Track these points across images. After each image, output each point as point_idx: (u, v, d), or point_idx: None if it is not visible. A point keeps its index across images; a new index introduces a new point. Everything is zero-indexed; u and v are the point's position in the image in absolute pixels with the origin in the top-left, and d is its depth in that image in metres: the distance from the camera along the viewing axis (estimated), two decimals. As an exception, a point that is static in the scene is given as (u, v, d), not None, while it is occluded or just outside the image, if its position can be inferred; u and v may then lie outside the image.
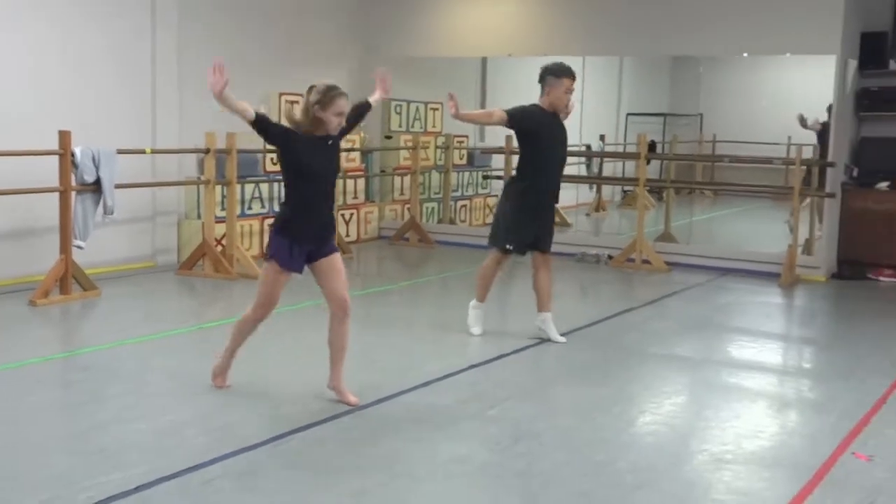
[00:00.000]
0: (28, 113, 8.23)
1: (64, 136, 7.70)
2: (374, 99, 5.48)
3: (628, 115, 14.03)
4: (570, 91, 6.18)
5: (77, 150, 7.80)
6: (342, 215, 11.17)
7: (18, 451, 4.31)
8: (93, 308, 7.60)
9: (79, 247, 7.80)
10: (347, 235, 11.27)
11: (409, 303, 8.42)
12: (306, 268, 5.05)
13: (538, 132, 6.20)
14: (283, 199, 5.04)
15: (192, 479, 3.99)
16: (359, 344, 6.53)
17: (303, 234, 4.91)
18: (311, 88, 4.88)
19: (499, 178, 11.94)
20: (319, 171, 4.88)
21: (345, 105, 4.88)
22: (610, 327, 7.35)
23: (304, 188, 4.87)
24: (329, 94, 4.84)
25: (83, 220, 7.86)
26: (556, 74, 6.19)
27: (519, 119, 6.16)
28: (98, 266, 8.67)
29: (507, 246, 6.40)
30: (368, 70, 12.25)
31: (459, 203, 12.90)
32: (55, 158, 7.72)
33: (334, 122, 4.87)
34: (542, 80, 6.25)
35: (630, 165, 12.81)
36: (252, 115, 4.73)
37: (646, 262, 10.11)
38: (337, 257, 5.07)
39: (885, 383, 5.84)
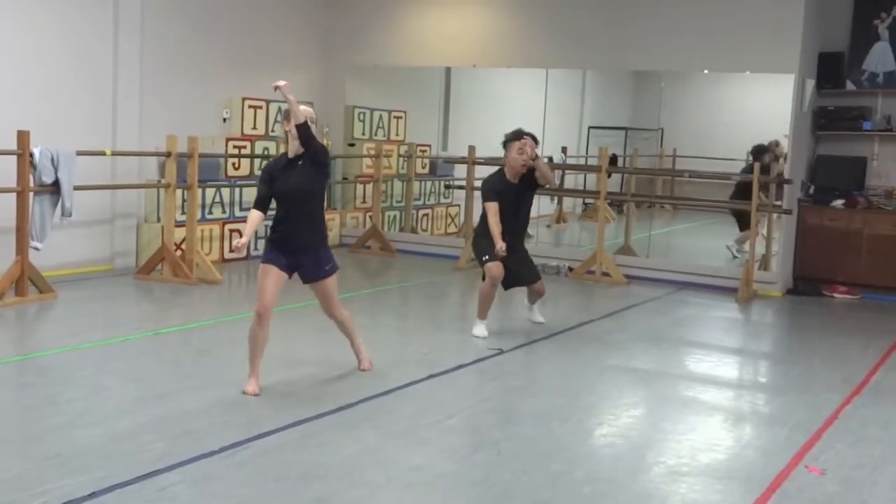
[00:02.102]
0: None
1: (22, 136, 7.62)
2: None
3: (590, 128, 14.12)
4: (521, 151, 7.03)
5: (36, 151, 7.72)
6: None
7: (-29, 455, 4.26)
8: (49, 311, 7.52)
9: (36, 248, 7.72)
10: (308, 242, 11.22)
11: (370, 311, 8.40)
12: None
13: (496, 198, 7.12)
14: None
15: (149, 486, 3.96)
16: (318, 352, 6.55)
17: (280, 246, 5.47)
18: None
19: (461, 187, 11.98)
20: (287, 192, 5.39)
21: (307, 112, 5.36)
22: (569, 339, 7.40)
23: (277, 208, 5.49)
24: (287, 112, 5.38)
25: (40, 222, 7.78)
26: (505, 143, 7.16)
27: (489, 197, 7.17)
28: (55, 268, 8.56)
29: (484, 258, 7.10)
30: (331, 77, 12.31)
31: (421, 212, 12.92)
32: (13, 158, 7.63)
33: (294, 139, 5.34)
34: (504, 148, 7.20)
35: (591, 178, 12.87)
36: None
37: (605, 274, 10.19)
38: (323, 283, 5.59)
39: (837, 398, 5.95)
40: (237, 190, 10.46)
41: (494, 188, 7.09)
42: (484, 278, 7.26)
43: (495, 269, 7.07)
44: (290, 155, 5.41)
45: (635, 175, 12.50)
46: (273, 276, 5.39)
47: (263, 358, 5.45)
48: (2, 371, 5.74)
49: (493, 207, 7.00)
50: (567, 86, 13.72)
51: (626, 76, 13.48)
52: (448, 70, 13.00)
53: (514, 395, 5.75)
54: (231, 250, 5.47)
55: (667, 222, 14.26)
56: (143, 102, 9.66)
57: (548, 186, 7.59)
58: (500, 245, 6.86)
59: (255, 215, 5.45)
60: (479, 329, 7.16)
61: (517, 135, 7.12)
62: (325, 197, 5.73)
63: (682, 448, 4.85)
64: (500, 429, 5.02)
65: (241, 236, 5.52)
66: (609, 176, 10.76)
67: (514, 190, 7.12)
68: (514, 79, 12.55)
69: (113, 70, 9.37)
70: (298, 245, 5.45)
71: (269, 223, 5.66)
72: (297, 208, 5.39)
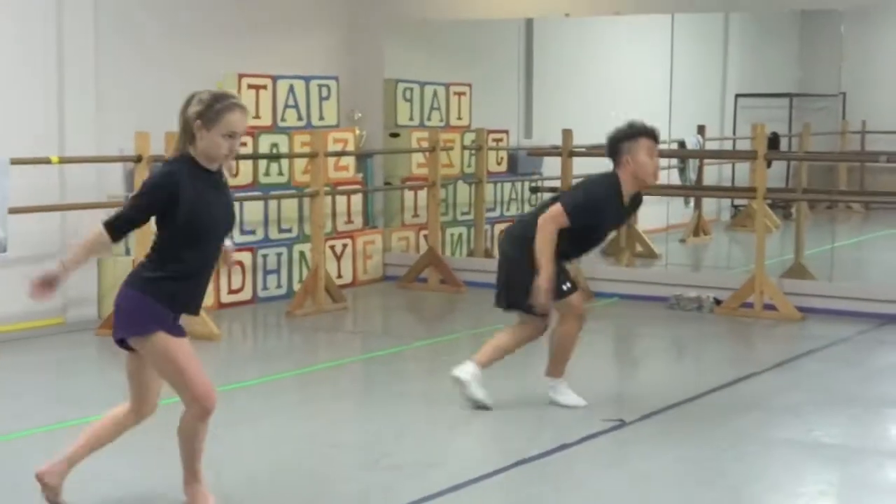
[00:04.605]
0: None
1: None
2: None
3: (738, 96, 14.04)
4: (651, 153, 6.75)
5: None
6: (331, 247, 11.23)
7: None
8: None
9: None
10: (339, 276, 11.30)
11: (430, 372, 8.42)
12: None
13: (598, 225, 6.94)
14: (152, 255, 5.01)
15: None
16: (357, 432, 6.59)
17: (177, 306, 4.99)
18: (191, 98, 5.00)
19: (553, 189, 11.97)
20: (213, 224, 4.96)
21: (239, 122, 4.91)
22: (720, 403, 7.33)
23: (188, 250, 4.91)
24: (216, 107, 4.89)
25: (-35, 261, 7.94)
26: (630, 137, 6.76)
27: (577, 216, 6.74)
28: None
29: (564, 286, 6.84)
30: (363, 40, 12.39)
31: (498, 227, 12.93)
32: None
33: (223, 148, 4.90)
34: (613, 152, 6.79)
35: (742, 169, 12.77)
36: (104, 232, 4.79)
37: (769, 307, 10.08)
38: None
39: None
40: (236, 206, 10.55)
41: (601, 206, 6.77)
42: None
43: (580, 300, 7.06)
44: (211, 167, 4.96)
45: (807, 162, 12.36)
46: (191, 349, 5.09)
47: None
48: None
49: (561, 222, 6.66)
50: (703, 38, 13.67)
51: (788, 20, 13.38)
52: (530, 24, 13.04)
53: (644, 487, 5.70)
54: (37, 290, 4.77)
55: (856, 229, 14.10)
56: (101, 90, 9.81)
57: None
58: (545, 287, 6.57)
59: (102, 238, 4.82)
60: (571, 397, 7.03)
61: (645, 130, 6.79)
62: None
63: (893, 557, 4.78)
64: (625, 536, 4.99)
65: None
66: (769, 165, 10.67)
67: (622, 214, 7.11)
68: (624, 32, 12.54)
69: (57, 48, 9.53)
70: (198, 302, 5.17)
71: (155, 269, 4.99)
72: (216, 250, 5.05)
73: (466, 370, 6.91)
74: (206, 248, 4.94)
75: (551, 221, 6.64)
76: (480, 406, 6.84)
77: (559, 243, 6.67)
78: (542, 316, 6.88)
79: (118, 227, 4.80)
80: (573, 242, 6.80)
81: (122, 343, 5.01)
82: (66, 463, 5.11)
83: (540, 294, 6.57)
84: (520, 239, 6.88)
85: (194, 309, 5.14)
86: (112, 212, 5.05)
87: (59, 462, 5.10)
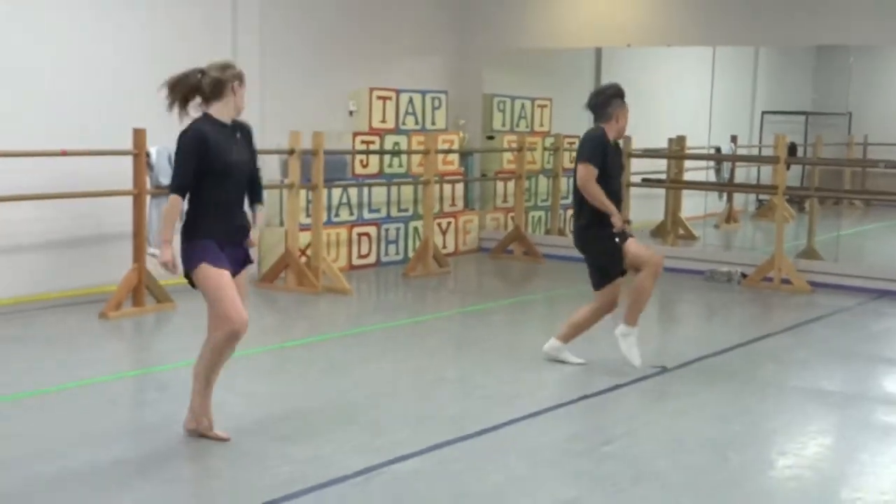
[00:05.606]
0: (101, 110, 8.49)
1: (138, 135, 7.95)
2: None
3: (764, 113, 13.78)
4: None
5: (153, 150, 8.04)
6: (438, 224, 11.26)
7: (92, 479, 4.48)
8: (168, 322, 7.84)
9: (153, 255, 8.02)
10: (444, 247, 11.34)
11: (513, 324, 8.43)
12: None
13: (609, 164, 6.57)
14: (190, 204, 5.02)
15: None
16: (456, 369, 6.61)
17: (222, 239, 4.97)
18: (209, 68, 5.23)
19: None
20: (235, 164, 4.99)
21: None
22: (743, 356, 7.24)
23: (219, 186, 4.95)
24: (237, 70, 5.23)
25: (158, 227, 8.08)
26: (622, 96, 6.64)
27: (596, 158, 6.49)
28: (173, 276, 8.87)
29: (617, 239, 6.50)
30: (467, 62, 12.40)
31: (570, 212, 12.87)
32: (129, 159, 7.97)
33: (245, 99, 5.16)
34: (608, 104, 6.60)
35: (766, 171, 12.55)
36: (177, 197, 4.90)
37: (785, 281, 9.92)
38: (245, 272, 5.15)
39: None
40: (365, 190, 10.65)
41: (603, 148, 6.50)
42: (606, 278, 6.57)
43: (640, 249, 6.56)
44: (227, 121, 5.06)
45: (819, 166, 12.12)
46: (232, 283, 4.98)
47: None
48: (119, 387, 6.01)
49: (593, 173, 6.41)
50: (737, 66, 13.43)
51: (806, 52, 13.10)
52: (599, 51, 12.92)
53: (681, 421, 5.65)
54: (164, 266, 5.08)
55: (857, 221, 13.78)
56: (264, 97, 9.94)
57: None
58: (619, 218, 6.36)
59: (175, 202, 4.91)
60: (634, 351, 6.53)
61: (623, 93, 6.64)
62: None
63: (883, 482, 4.68)
64: (665, 458, 4.95)
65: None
66: (788, 168, 10.48)
67: (618, 154, 6.72)
68: (675, 60, 12.35)
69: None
70: (239, 235, 5.06)
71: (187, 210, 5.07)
72: (241, 186, 5.06)
73: (551, 346, 6.67)
74: (231, 185, 4.97)
75: (588, 179, 6.40)
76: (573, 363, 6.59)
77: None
78: (612, 291, 6.56)
79: (183, 186, 4.89)
80: (606, 183, 6.43)
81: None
82: (197, 404, 4.99)
83: (617, 224, 6.36)
84: (577, 217, 6.66)
85: (235, 236, 5.01)
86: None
87: (193, 408, 5.00)
